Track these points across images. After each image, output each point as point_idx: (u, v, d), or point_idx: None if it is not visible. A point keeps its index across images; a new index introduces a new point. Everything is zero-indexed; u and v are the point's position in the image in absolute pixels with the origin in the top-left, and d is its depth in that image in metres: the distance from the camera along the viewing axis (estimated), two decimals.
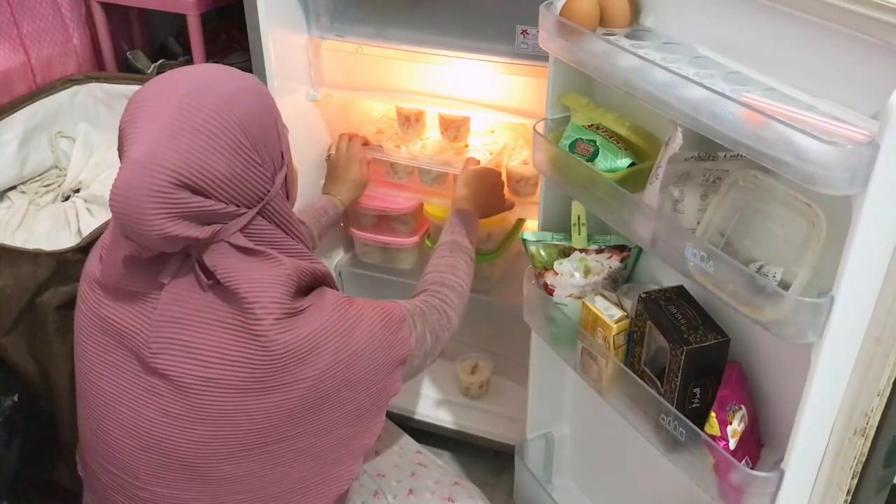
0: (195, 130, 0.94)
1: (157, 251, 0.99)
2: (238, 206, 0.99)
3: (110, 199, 0.94)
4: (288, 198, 1.08)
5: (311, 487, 1.09)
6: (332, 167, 1.71)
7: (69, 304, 1.45)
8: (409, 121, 1.72)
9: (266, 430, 1.01)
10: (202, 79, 0.99)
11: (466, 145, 1.72)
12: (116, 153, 1.73)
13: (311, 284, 1.06)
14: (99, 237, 1.45)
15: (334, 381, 1.02)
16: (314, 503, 1.10)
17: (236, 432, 1.00)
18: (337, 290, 1.10)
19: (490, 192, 1.58)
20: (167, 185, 0.92)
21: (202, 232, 0.96)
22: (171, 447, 1.01)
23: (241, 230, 1.00)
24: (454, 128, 1.69)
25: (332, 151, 1.74)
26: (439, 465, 1.41)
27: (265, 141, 1.01)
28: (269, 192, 1.02)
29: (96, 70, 1.88)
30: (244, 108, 0.98)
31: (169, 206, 0.92)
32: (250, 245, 1.00)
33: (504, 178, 1.67)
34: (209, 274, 0.99)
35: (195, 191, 0.94)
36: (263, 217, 1.02)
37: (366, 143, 1.73)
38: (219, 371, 0.98)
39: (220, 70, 1.04)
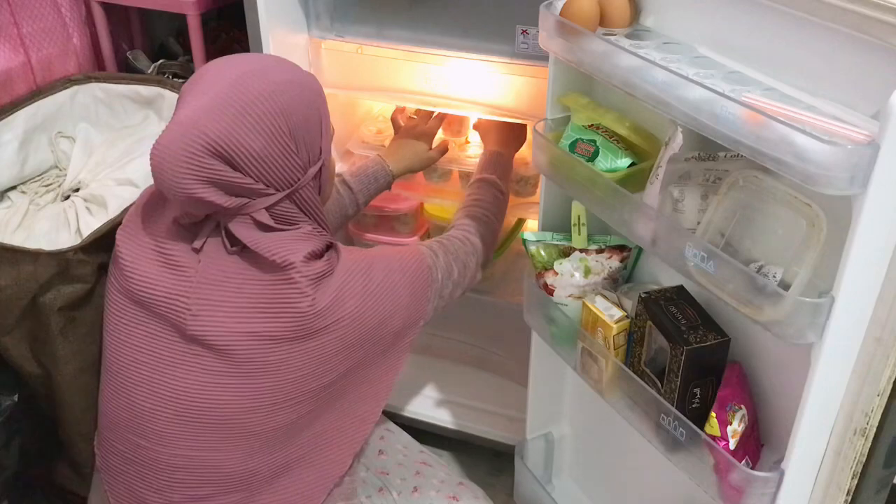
0: (239, 108, 1.02)
1: (189, 216, 1.07)
2: (267, 185, 1.05)
3: (151, 153, 1.03)
4: (320, 192, 1.14)
5: (340, 433, 1.16)
6: (403, 135, 1.61)
7: (72, 306, 1.45)
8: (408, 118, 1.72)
9: (306, 377, 1.07)
10: (260, 65, 1.08)
11: (468, 140, 1.73)
12: (116, 153, 1.73)
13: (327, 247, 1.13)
14: (100, 237, 1.45)
15: (365, 321, 1.09)
16: (342, 450, 1.17)
17: (279, 383, 1.06)
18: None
19: (511, 127, 1.60)
20: (201, 150, 1.00)
21: (228, 201, 1.04)
22: (210, 408, 1.06)
23: (268, 209, 1.06)
24: (457, 123, 1.71)
25: (413, 117, 1.68)
26: (443, 465, 1.42)
27: (305, 133, 1.07)
28: (299, 180, 1.07)
29: (96, 70, 1.88)
30: (291, 98, 1.05)
31: (200, 169, 1.01)
32: (271, 223, 1.06)
33: None
34: (234, 241, 1.06)
35: (227, 161, 1.01)
36: (292, 202, 1.08)
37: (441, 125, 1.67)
38: (261, 324, 1.04)
39: (280, 61, 1.11)
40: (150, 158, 1.03)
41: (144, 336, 1.10)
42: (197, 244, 1.08)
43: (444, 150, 1.62)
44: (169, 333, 1.08)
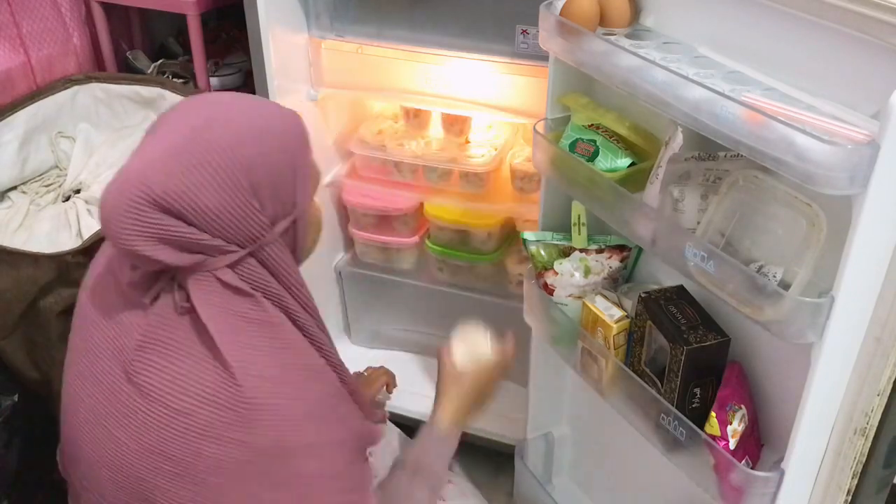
0: (192, 159, 0.92)
1: (145, 273, 0.97)
2: (227, 241, 0.95)
3: (100, 207, 0.93)
4: (296, 246, 1.03)
5: None
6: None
7: (72, 311, 1.45)
8: (412, 116, 1.73)
9: (221, 482, 0.96)
10: (227, 110, 0.98)
11: (468, 141, 1.73)
12: (116, 153, 1.73)
13: (294, 340, 1.01)
14: (100, 239, 1.45)
15: (291, 460, 0.97)
16: None
17: (198, 473, 0.95)
18: (317, 341, 1.04)
19: (479, 388, 1.25)
20: (144, 204, 0.90)
21: (179, 259, 0.94)
22: (136, 475, 0.98)
23: (230, 267, 0.96)
24: (458, 123, 1.70)
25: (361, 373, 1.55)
26: None
27: (272, 186, 0.96)
28: (263, 236, 0.97)
29: (96, 70, 1.88)
30: (255, 149, 0.95)
31: (144, 224, 0.91)
32: (239, 284, 0.96)
33: (508, 174, 1.68)
34: (186, 297, 0.96)
35: (175, 216, 0.92)
36: (257, 260, 0.98)
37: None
38: (192, 401, 0.94)
39: (252, 104, 1.01)
40: (99, 208, 0.94)
41: (94, 382, 1.02)
42: (146, 298, 0.98)
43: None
44: (114, 389, 1.00)
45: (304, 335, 1.02)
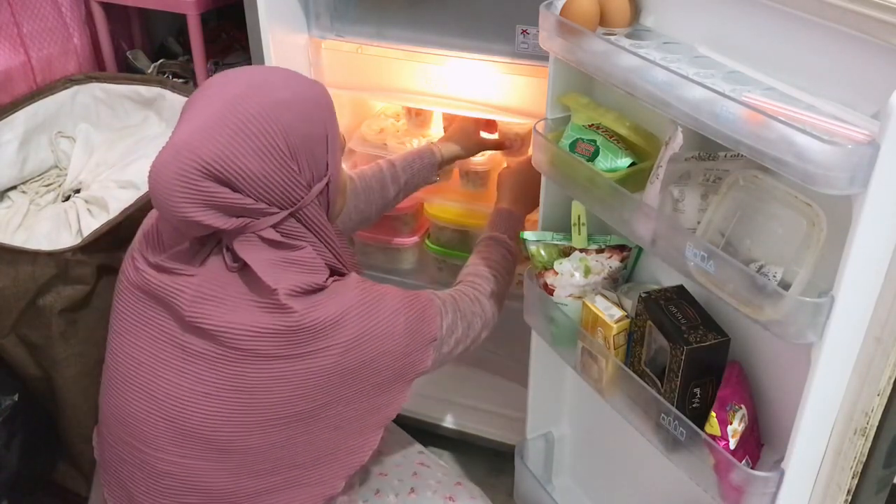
0: (235, 128, 0.99)
1: (190, 234, 1.04)
2: (269, 204, 1.03)
3: (148, 175, 1.00)
4: (329, 208, 1.11)
5: (332, 457, 1.13)
6: (455, 130, 1.62)
7: (73, 308, 1.45)
8: (414, 114, 1.73)
9: (296, 399, 1.04)
10: (260, 80, 1.04)
11: None
12: (116, 153, 1.73)
13: (334, 270, 1.10)
14: (98, 238, 1.45)
15: (361, 351, 1.06)
16: (334, 473, 1.14)
17: (268, 401, 1.04)
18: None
19: (528, 185, 1.51)
20: (194, 172, 0.97)
21: (228, 223, 1.01)
22: (201, 419, 1.05)
23: (273, 227, 1.04)
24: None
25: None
26: (442, 466, 1.42)
27: (308, 150, 1.04)
28: (303, 198, 1.05)
29: (96, 70, 1.89)
30: (292, 115, 1.02)
31: (194, 192, 0.98)
32: (279, 238, 1.04)
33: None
34: (236, 257, 1.04)
35: (222, 182, 0.99)
36: (297, 220, 1.06)
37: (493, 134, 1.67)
38: (252, 342, 1.02)
39: (283, 75, 1.08)
40: (148, 181, 1.01)
41: (147, 338, 1.09)
42: (197, 261, 1.06)
43: (498, 143, 1.62)
44: (171, 338, 1.07)
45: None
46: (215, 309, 1.04)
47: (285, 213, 1.04)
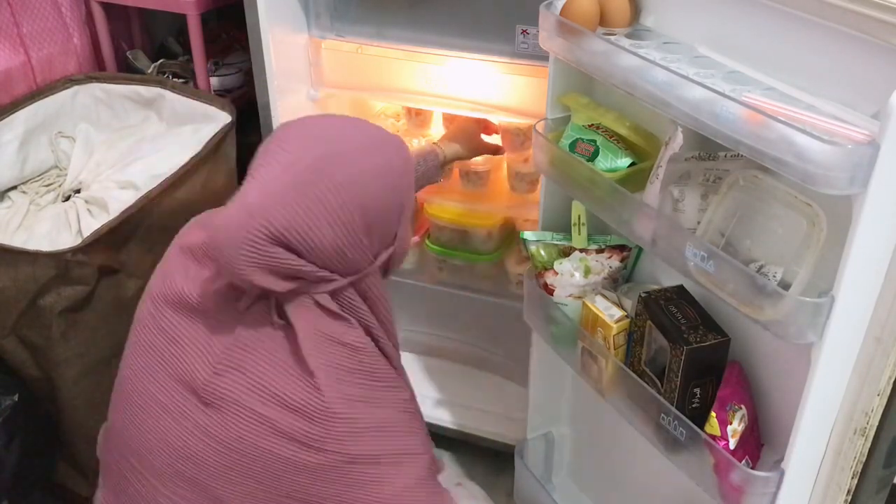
0: (314, 197, 0.95)
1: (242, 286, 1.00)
2: (331, 272, 0.99)
3: (213, 230, 0.96)
4: (388, 270, 1.07)
5: None
6: (455, 130, 1.61)
7: (73, 309, 1.44)
8: (414, 114, 1.73)
9: (289, 485, 1.00)
10: (345, 144, 1.00)
11: None
12: (116, 153, 1.72)
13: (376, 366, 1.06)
14: (99, 238, 1.45)
15: (361, 472, 1.01)
16: None
17: (264, 474, 1.00)
18: (397, 368, 1.11)
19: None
20: (263, 239, 0.94)
21: (285, 286, 0.97)
22: (206, 474, 1.02)
23: (330, 294, 1.00)
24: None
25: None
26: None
27: (381, 224, 1.01)
28: (366, 268, 1.02)
29: (96, 70, 1.88)
30: (373, 189, 0.99)
31: (260, 257, 0.94)
32: (336, 309, 1.00)
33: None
34: (281, 314, 1.00)
35: (291, 249, 0.95)
36: (355, 289, 1.02)
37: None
38: (273, 410, 0.98)
39: (368, 135, 1.04)
40: (211, 236, 0.97)
41: (163, 377, 1.05)
42: (242, 305, 1.02)
43: (497, 147, 1.61)
44: (181, 380, 1.04)
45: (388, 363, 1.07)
46: (244, 364, 1.00)
47: (346, 281, 1.00)
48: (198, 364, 1.02)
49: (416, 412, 1.12)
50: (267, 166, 0.99)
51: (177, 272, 1.09)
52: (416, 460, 1.06)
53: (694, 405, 1.12)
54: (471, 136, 1.59)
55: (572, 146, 1.22)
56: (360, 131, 1.04)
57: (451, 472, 1.40)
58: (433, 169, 1.52)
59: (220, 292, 1.03)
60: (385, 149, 1.03)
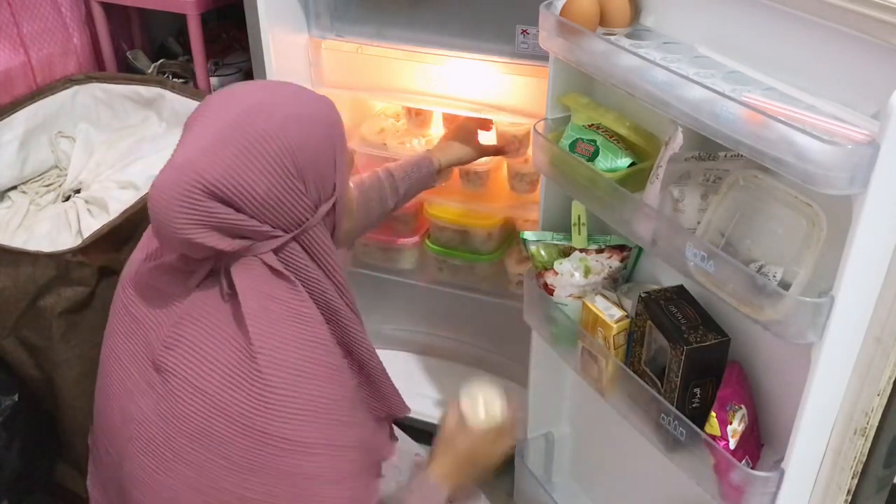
0: (241, 147, 0.94)
1: (191, 258, 1.00)
2: (273, 227, 0.98)
3: (148, 195, 0.96)
4: (335, 228, 1.06)
5: None
6: (456, 129, 1.59)
7: (74, 310, 1.44)
8: (414, 114, 1.73)
9: (225, 472, 0.97)
10: (267, 97, 1.00)
11: None
12: (116, 153, 1.73)
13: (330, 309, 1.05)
14: (99, 239, 1.45)
15: (310, 464, 0.98)
16: None
17: (208, 453, 0.98)
18: (352, 327, 1.08)
19: (483, 451, 1.22)
20: (197, 193, 0.93)
21: (228, 244, 0.97)
22: (161, 445, 1.01)
23: (275, 252, 0.99)
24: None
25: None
26: None
27: (315, 170, 1.00)
28: (308, 220, 1.01)
29: (96, 70, 1.88)
30: (300, 134, 0.98)
31: (195, 212, 0.94)
32: (282, 269, 0.99)
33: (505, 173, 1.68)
34: (231, 284, 0.99)
35: (226, 203, 0.95)
36: (299, 244, 1.01)
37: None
38: (215, 386, 0.97)
39: (290, 90, 1.03)
40: (148, 200, 0.96)
41: (127, 354, 1.06)
42: (192, 283, 1.01)
43: (497, 148, 1.60)
44: (144, 359, 1.04)
45: (337, 322, 1.06)
46: (188, 349, 0.99)
47: (289, 236, 0.99)
48: (153, 340, 1.03)
49: (357, 395, 1.08)
50: (191, 132, 0.99)
51: (140, 252, 1.10)
52: (346, 454, 1.02)
53: (694, 405, 1.12)
54: (467, 140, 1.58)
55: (572, 146, 1.22)
56: (283, 87, 1.05)
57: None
58: (426, 176, 1.51)
59: (171, 268, 1.03)
60: (309, 101, 1.03)
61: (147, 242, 1.11)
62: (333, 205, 1.04)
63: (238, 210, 0.96)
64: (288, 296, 1.00)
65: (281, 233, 0.99)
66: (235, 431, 0.97)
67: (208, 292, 1.01)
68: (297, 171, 0.97)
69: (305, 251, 1.02)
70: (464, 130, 1.58)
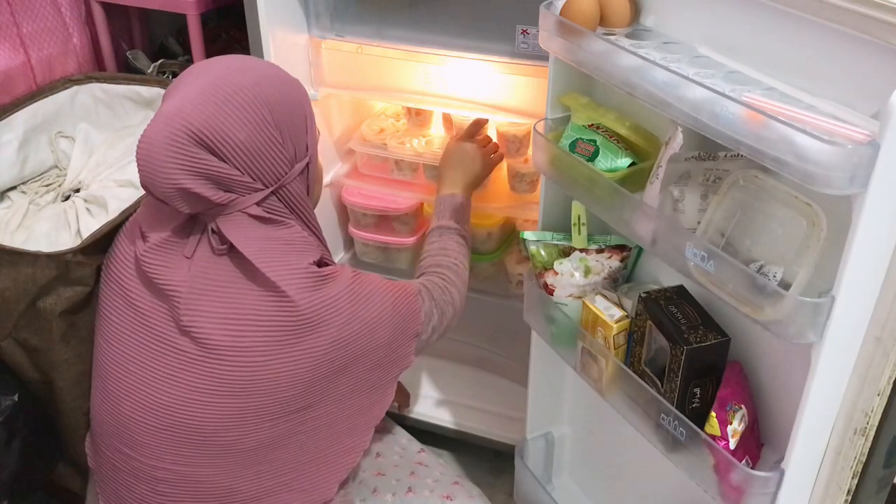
0: (223, 97, 1.02)
1: (181, 215, 1.05)
2: (254, 178, 1.05)
3: (137, 146, 1.02)
4: (308, 193, 1.14)
5: (324, 459, 1.14)
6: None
7: (73, 310, 1.44)
8: (414, 114, 1.74)
9: (290, 398, 1.06)
10: (247, 62, 1.10)
11: None
12: (116, 153, 1.73)
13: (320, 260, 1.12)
14: (99, 238, 1.45)
15: (350, 344, 1.07)
16: (327, 477, 1.15)
17: (263, 400, 1.05)
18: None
19: (466, 162, 1.50)
20: (185, 138, 0.99)
21: (218, 196, 1.03)
22: (196, 423, 1.05)
23: (258, 204, 1.06)
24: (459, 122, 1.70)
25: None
26: (441, 465, 1.41)
27: (290, 125, 1.07)
28: (286, 174, 1.07)
29: (96, 70, 1.88)
30: (275, 91, 1.06)
31: (183, 157, 1.00)
32: (265, 214, 1.06)
33: (505, 173, 1.68)
34: (223, 240, 1.05)
35: (211, 151, 1.01)
36: (279, 198, 1.08)
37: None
38: (250, 335, 1.03)
39: (268, 63, 1.15)
40: (137, 152, 1.02)
41: (135, 345, 1.09)
42: (188, 252, 1.07)
43: (501, 155, 1.60)
44: (159, 344, 1.07)
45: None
46: (211, 308, 1.04)
47: (269, 190, 1.06)
48: (163, 325, 1.07)
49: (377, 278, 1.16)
50: (177, 87, 1.06)
51: (122, 248, 1.16)
52: (389, 314, 1.13)
53: (694, 405, 1.12)
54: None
55: (572, 146, 1.22)
56: (259, 60, 1.15)
57: (449, 471, 1.40)
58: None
59: (163, 243, 1.08)
60: (282, 72, 1.12)
61: (129, 234, 1.15)
62: (307, 165, 1.11)
63: (220, 159, 1.02)
64: (279, 233, 1.07)
65: (262, 186, 1.06)
66: (293, 364, 1.04)
67: (204, 257, 1.07)
68: (275, 122, 1.05)
69: (285, 205, 1.09)
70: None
